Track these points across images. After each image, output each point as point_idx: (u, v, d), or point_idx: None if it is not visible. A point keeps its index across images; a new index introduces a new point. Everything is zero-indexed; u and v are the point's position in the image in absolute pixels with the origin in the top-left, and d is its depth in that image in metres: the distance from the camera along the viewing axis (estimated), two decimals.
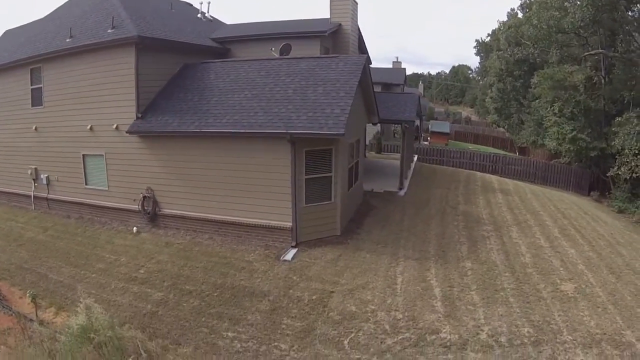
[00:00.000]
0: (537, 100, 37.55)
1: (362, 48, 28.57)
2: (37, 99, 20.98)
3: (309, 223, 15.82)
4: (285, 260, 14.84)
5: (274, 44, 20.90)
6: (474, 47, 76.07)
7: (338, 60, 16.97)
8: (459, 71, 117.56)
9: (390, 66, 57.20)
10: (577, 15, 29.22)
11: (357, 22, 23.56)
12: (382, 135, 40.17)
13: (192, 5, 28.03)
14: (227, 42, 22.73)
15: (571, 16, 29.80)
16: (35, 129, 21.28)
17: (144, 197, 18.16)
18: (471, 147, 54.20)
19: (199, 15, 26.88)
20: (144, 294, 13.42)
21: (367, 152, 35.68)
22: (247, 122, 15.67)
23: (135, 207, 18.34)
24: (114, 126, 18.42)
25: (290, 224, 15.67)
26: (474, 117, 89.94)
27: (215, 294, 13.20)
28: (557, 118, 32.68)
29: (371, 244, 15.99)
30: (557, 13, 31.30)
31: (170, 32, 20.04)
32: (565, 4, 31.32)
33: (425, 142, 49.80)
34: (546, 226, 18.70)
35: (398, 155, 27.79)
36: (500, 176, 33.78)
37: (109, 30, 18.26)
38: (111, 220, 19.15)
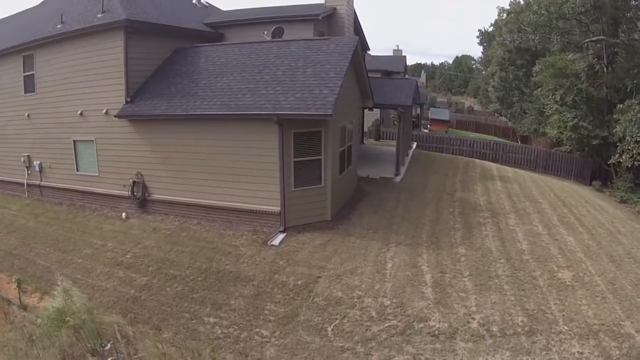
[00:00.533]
0: (538, 89, 36.76)
1: (359, 33, 27.94)
2: (29, 85, 20.67)
3: (298, 208, 15.29)
4: (272, 245, 14.33)
5: (267, 28, 20.30)
6: (477, 36, 74.90)
7: (329, 42, 16.35)
8: (462, 62, 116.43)
9: (391, 54, 56.36)
10: (578, 0, 28.35)
11: (352, 6, 22.90)
12: (381, 123, 39.47)
13: None
14: (220, 27, 22.15)
15: (572, 2, 28.92)
16: (28, 116, 20.99)
17: (134, 182, 17.83)
18: (472, 135, 53.44)
19: (193, 1, 26.26)
20: (129, 278, 13.09)
21: (365, 139, 35.10)
22: (235, 104, 15.15)
23: (125, 192, 18.02)
24: (104, 111, 18.05)
25: (278, 208, 15.16)
26: (476, 107, 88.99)
27: (200, 279, 12.78)
28: (558, 106, 31.94)
29: (362, 230, 15.43)
30: None
31: (162, 16, 19.55)
32: None
33: (425, 130, 49.03)
34: (545, 214, 18.09)
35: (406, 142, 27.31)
36: (501, 164, 33.12)
37: (99, 15, 17.84)
38: (102, 207, 18.89)
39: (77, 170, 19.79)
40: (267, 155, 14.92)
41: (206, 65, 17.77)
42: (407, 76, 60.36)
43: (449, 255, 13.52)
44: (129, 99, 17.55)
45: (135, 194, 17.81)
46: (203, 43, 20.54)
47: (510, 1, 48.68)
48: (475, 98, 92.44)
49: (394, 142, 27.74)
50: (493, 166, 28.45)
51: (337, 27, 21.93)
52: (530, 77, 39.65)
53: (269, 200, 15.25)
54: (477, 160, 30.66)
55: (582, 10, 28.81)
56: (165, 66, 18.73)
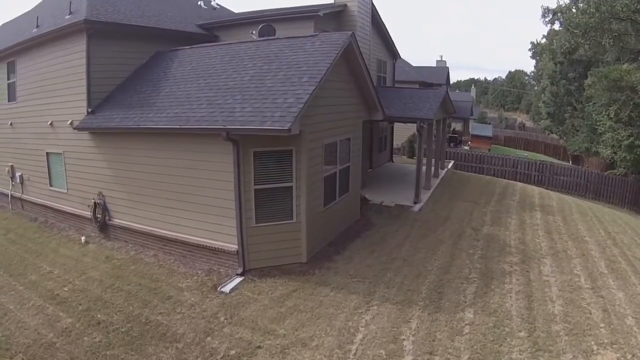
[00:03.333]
0: (591, 104, 32.07)
1: (384, 36, 24.36)
2: (12, 93, 18.96)
3: (262, 247, 11.81)
4: (222, 292, 10.93)
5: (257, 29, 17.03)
6: (529, 49, 69.42)
7: (314, 40, 12.79)
8: (515, 76, 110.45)
9: (434, 65, 52.36)
10: None
11: (368, 2, 19.33)
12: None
13: None
14: (215, 29, 19.11)
15: None
16: (11, 124, 19.20)
17: (95, 203, 15.26)
18: (519, 153, 48.65)
19: (199, 3, 23.51)
20: (55, 317, 10.61)
21: (397, 156, 31.35)
22: (186, 117, 11.92)
23: (89, 214, 15.53)
24: (69, 122, 15.67)
25: (236, 246, 11.69)
26: (528, 124, 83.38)
27: (124, 330, 9.83)
28: (612, 123, 27.30)
29: (344, 278, 11.75)
30: None
31: (140, 18, 16.79)
32: None
33: (467, 147, 44.36)
34: (590, 257, 13.96)
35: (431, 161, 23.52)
36: (546, 188, 28.72)
37: (67, 17, 15.51)
38: (69, 227, 16.69)
39: (51, 185, 17.66)
40: (221, 181, 11.55)
41: (176, 71, 14.72)
42: (449, 89, 56.22)
43: (448, 322, 9.66)
44: (90, 110, 14.97)
45: (97, 216, 15.29)
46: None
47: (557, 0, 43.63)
48: (527, 114, 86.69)
49: (435, 152, 23.93)
50: (536, 191, 24.06)
51: (348, 26, 18.48)
52: (583, 91, 35.02)
53: (226, 237, 11.86)
54: (519, 184, 26.27)
55: (638, 7, 24.08)
56: (139, 72, 15.93)
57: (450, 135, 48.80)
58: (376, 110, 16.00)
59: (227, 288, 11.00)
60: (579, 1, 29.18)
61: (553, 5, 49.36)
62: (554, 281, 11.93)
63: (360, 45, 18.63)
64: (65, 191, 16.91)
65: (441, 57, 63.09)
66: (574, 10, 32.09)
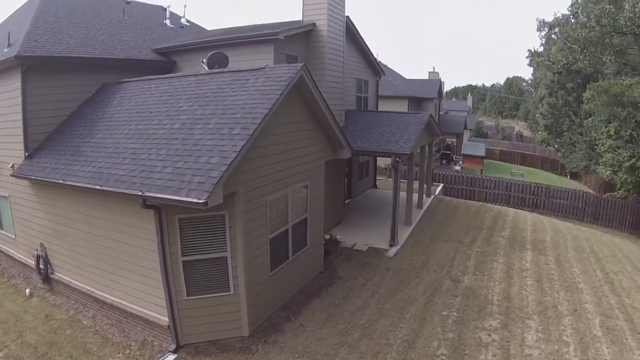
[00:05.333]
0: (590, 119, 30.23)
1: (364, 54, 22.63)
2: None
3: (196, 321, 10.05)
4: None
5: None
6: (527, 57, 67.55)
7: (259, 75, 10.96)
8: (513, 83, 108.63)
9: (426, 77, 50.65)
10: (638, 8, 21.92)
11: (341, 19, 17.53)
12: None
13: (166, 9, 23.00)
14: (171, 53, 17.40)
15: (629, 10, 22.45)
16: None
17: (38, 255, 13.70)
18: (515, 170, 46.78)
19: (165, 21, 21.85)
20: None
21: (383, 178, 29.57)
22: (107, 173, 10.19)
23: (34, 264, 13.99)
24: (10, 165, 13.90)
25: (167, 320, 9.90)
26: (525, 132, 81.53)
27: None
28: (612, 141, 25.45)
29: (289, 356, 9.97)
30: (612, 7, 23.96)
31: (88, 47, 15.19)
32: None
33: (458, 167, 42.30)
34: (584, 313, 12.29)
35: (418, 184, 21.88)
36: (541, 213, 26.92)
37: (5, 49, 13.72)
38: (18, 274, 15.05)
39: (1, 228, 16.03)
40: (145, 250, 9.84)
41: (114, 110, 13.03)
42: (442, 101, 54.45)
43: None
44: (27, 154, 13.31)
45: (40, 267, 13.75)
46: (151, 73, 16.04)
47: (555, 12, 41.99)
48: (525, 122, 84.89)
49: (416, 183, 22.15)
50: (529, 221, 22.18)
51: (317, 47, 16.75)
52: (582, 102, 33.20)
53: (157, 308, 10.13)
54: (511, 211, 24.36)
55: None
56: (82, 108, 14.27)
57: (443, 152, 46.95)
58: (342, 148, 14.20)
59: None
60: (578, 14, 27.32)
61: (549, 18, 47.45)
62: (538, 354, 10.18)
63: (331, 67, 16.97)
64: (13, 237, 15.35)
65: (433, 68, 61.30)
66: (572, 20, 30.30)
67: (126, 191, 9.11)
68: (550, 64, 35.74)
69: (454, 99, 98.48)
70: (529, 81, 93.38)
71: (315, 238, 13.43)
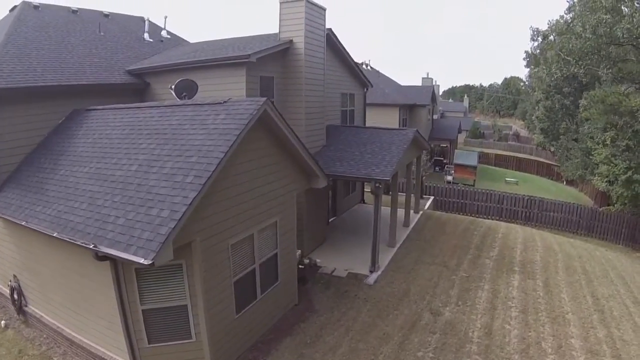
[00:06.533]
0: (586, 126, 29.63)
1: (349, 67, 22.07)
2: None
3: None
4: None
5: (188, 76, 14.77)
6: (523, 58, 66.81)
7: (220, 111, 10.35)
8: (510, 83, 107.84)
9: (420, 82, 50.07)
10: (637, 19, 21.28)
11: (321, 34, 16.99)
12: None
13: (145, 21, 22.47)
14: (144, 74, 16.85)
15: (627, 21, 21.82)
16: None
17: (12, 286, 13.25)
18: (509, 177, 46.18)
19: (145, 35, 21.34)
20: None
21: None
22: (65, 220, 9.71)
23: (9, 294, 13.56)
24: None
25: None
26: (523, 132, 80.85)
27: None
28: (608, 152, 24.86)
29: None
30: (609, 16, 23.31)
31: (56, 73, 14.60)
32: (620, 4, 23.39)
33: (450, 177, 41.59)
34: (569, 351, 11.79)
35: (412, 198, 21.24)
36: (535, 226, 26.40)
37: None
38: None
39: None
40: (105, 296, 9.39)
41: (78, 142, 12.52)
42: (436, 107, 53.84)
43: None
44: None
45: (14, 298, 13.30)
46: (124, 97, 15.87)
47: (549, 21, 41.39)
48: (523, 121, 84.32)
49: (406, 197, 21.60)
50: (519, 237, 21.62)
51: (294, 65, 16.20)
52: (578, 107, 32.52)
53: (121, 353, 9.68)
54: (502, 226, 23.80)
55: None
56: (50, 138, 13.72)
57: (436, 158, 46.33)
58: (316, 177, 13.64)
59: None
60: (574, 24, 26.67)
61: (543, 27, 46.62)
62: None
63: (309, 87, 16.41)
64: None
65: (427, 74, 60.40)
66: (566, 28, 29.60)
67: (79, 242, 8.62)
68: (544, 77, 35.04)
69: (450, 100, 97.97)
70: (527, 81, 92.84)
71: (288, 271, 12.91)
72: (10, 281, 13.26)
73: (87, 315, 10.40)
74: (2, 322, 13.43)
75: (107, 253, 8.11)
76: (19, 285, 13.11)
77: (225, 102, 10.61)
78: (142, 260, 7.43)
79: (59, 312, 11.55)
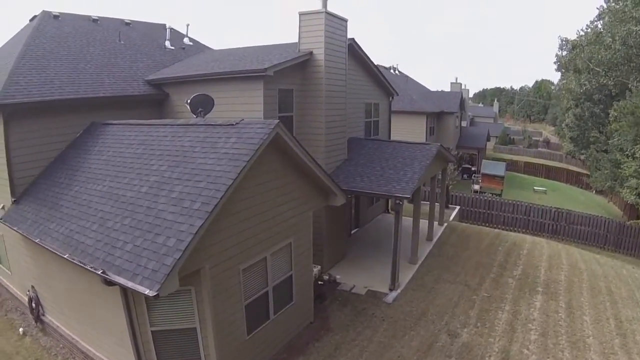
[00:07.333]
0: (615, 137, 28.74)
1: (373, 76, 21.74)
2: None
3: None
4: None
5: (207, 88, 14.72)
6: (554, 62, 65.25)
7: (231, 134, 10.13)
8: (541, 86, 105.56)
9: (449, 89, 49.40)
10: None
11: (342, 45, 16.67)
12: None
13: (167, 28, 22.56)
14: (163, 85, 16.88)
15: None
16: None
17: (30, 296, 13.51)
18: (538, 187, 45.11)
19: (166, 43, 21.38)
20: None
21: None
22: (76, 241, 9.69)
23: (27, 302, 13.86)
24: (1, 206, 13.53)
25: None
26: (553, 139, 79.15)
27: None
28: (637, 165, 24.05)
29: None
30: (639, 28, 22.53)
31: (73, 85, 14.68)
32: None
33: (477, 186, 40.92)
34: None
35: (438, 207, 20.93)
36: (561, 240, 25.66)
37: None
38: (15, 308, 14.87)
39: (0, 262, 15.73)
40: (115, 316, 9.36)
41: (93, 159, 12.55)
42: (465, 114, 52.97)
43: None
44: (14, 199, 13.00)
45: (32, 307, 13.56)
46: (142, 108, 16.07)
47: (578, 30, 40.39)
48: (554, 127, 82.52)
49: (430, 208, 21.18)
50: (545, 254, 20.98)
51: (314, 77, 15.90)
52: (608, 116, 31.55)
53: None
54: (528, 240, 23.16)
55: None
56: (68, 151, 13.80)
57: (464, 166, 45.59)
58: (334, 195, 13.39)
59: None
60: (602, 34, 25.83)
61: (572, 36, 45.55)
62: None
63: (330, 99, 16.17)
64: (9, 273, 15.23)
65: (456, 79, 59.90)
66: (592, 35, 28.73)
67: (89, 267, 8.58)
68: (573, 88, 34.09)
69: (480, 104, 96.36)
70: (558, 86, 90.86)
71: (303, 291, 12.70)
72: (29, 291, 13.50)
73: (101, 331, 10.46)
74: (21, 329, 13.67)
75: (114, 281, 8.01)
76: (37, 296, 13.34)
77: (237, 123, 10.45)
78: (147, 292, 7.32)
79: (74, 324, 11.72)
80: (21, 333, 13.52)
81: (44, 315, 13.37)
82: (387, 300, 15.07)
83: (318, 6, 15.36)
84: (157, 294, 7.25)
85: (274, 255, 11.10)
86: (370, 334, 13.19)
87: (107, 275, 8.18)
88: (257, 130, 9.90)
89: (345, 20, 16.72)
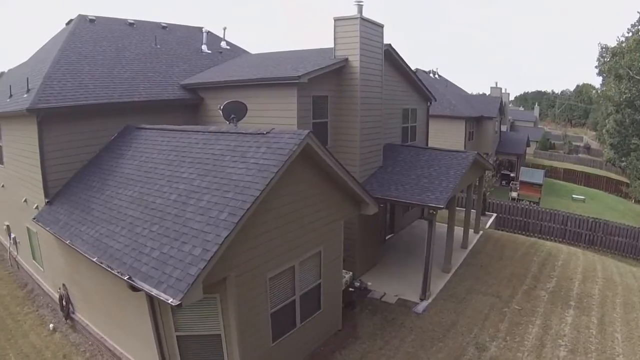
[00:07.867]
0: None
1: (410, 81, 21.45)
2: (1, 156, 17.43)
3: None
4: None
5: (241, 94, 14.80)
6: (595, 66, 63.41)
7: (261, 143, 10.07)
8: (583, 90, 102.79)
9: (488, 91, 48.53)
10: None
11: (378, 52, 16.43)
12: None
13: (204, 32, 22.74)
14: (198, 90, 17.04)
15: None
16: (3, 186, 17.79)
17: (61, 294, 13.98)
18: (576, 195, 43.87)
19: (202, 47, 21.55)
20: None
21: None
22: (105, 245, 9.88)
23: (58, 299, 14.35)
24: (35, 206, 14.04)
25: None
26: (594, 144, 76.96)
27: None
28: None
29: None
30: None
31: (108, 89, 14.99)
32: None
33: (515, 194, 40.02)
34: None
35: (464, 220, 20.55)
36: (598, 250, 24.88)
37: (24, 95, 13.76)
38: (46, 305, 15.38)
39: (33, 258, 16.36)
40: (141, 321, 9.57)
41: (126, 164, 12.77)
42: (505, 118, 51.91)
43: None
44: (47, 200, 13.40)
45: (62, 304, 14.00)
46: (176, 112, 16.37)
47: (617, 36, 39.30)
48: (594, 132, 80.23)
49: (465, 215, 20.81)
50: (579, 267, 20.30)
51: (349, 84, 15.73)
52: None
53: None
54: (564, 251, 22.46)
55: None
56: (102, 154, 14.15)
57: (503, 172, 44.78)
58: (365, 204, 13.25)
59: None
60: None
61: (612, 43, 44.26)
62: None
63: (366, 106, 16.04)
64: (42, 270, 15.67)
65: (496, 83, 58.52)
66: (632, 42, 27.70)
67: (116, 272, 8.73)
68: (612, 95, 33.01)
69: (521, 108, 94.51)
70: (599, 92, 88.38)
71: (332, 299, 12.63)
72: (60, 289, 13.93)
73: (128, 331, 10.74)
74: (51, 325, 14.11)
75: (139, 287, 8.10)
76: (67, 294, 13.77)
77: (267, 132, 10.43)
78: (170, 300, 7.37)
79: (102, 323, 12.06)
80: (51, 329, 13.95)
81: (73, 313, 13.77)
82: (417, 310, 14.85)
83: (353, 12, 15.19)
84: (180, 304, 7.27)
85: (302, 264, 11.06)
86: (397, 344, 13.03)
87: (133, 281, 8.29)
88: (287, 140, 9.85)
89: (382, 26, 16.49)
